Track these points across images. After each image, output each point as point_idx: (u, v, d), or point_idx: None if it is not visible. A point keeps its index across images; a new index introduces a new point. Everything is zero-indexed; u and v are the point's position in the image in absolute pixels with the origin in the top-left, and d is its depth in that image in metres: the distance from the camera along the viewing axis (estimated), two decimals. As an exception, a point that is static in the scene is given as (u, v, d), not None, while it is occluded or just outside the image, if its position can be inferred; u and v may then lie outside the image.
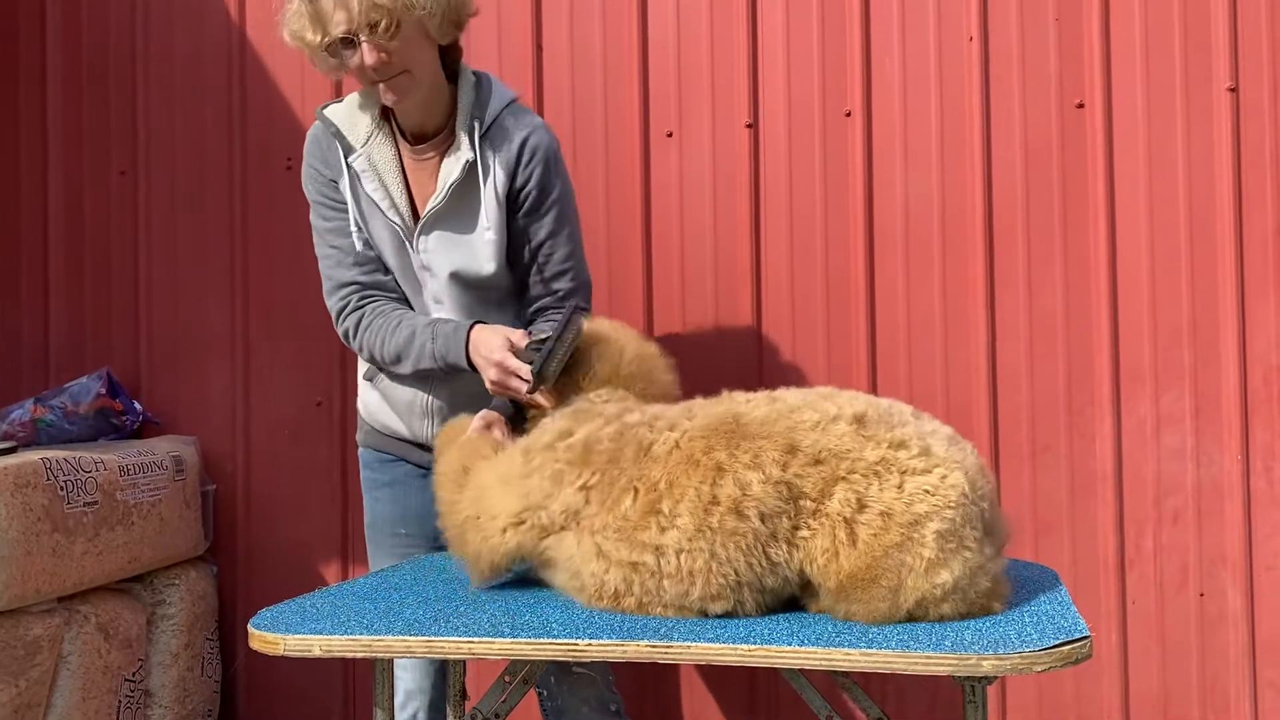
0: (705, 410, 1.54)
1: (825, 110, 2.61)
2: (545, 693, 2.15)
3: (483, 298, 2.04)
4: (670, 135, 2.66)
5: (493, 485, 1.60)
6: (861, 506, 1.41)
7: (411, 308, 2.05)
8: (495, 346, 1.83)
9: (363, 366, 2.14)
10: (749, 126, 2.63)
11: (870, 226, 2.59)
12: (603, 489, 1.50)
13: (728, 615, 1.45)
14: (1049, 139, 2.54)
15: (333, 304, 2.06)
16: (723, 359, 2.62)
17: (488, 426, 1.86)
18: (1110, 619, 2.50)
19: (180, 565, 2.65)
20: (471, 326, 1.91)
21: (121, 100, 2.88)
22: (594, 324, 1.83)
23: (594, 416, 1.59)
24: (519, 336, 1.82)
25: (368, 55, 1.87)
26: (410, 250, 2.02)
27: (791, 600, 1.50)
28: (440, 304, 2.04)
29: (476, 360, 1.87)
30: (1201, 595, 2.48)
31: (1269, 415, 2.46)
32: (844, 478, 1.42)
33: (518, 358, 1.78)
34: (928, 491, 1.40)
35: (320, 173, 2.05)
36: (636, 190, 2.65)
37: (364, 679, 2.76)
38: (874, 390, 2.57)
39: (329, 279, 2.06)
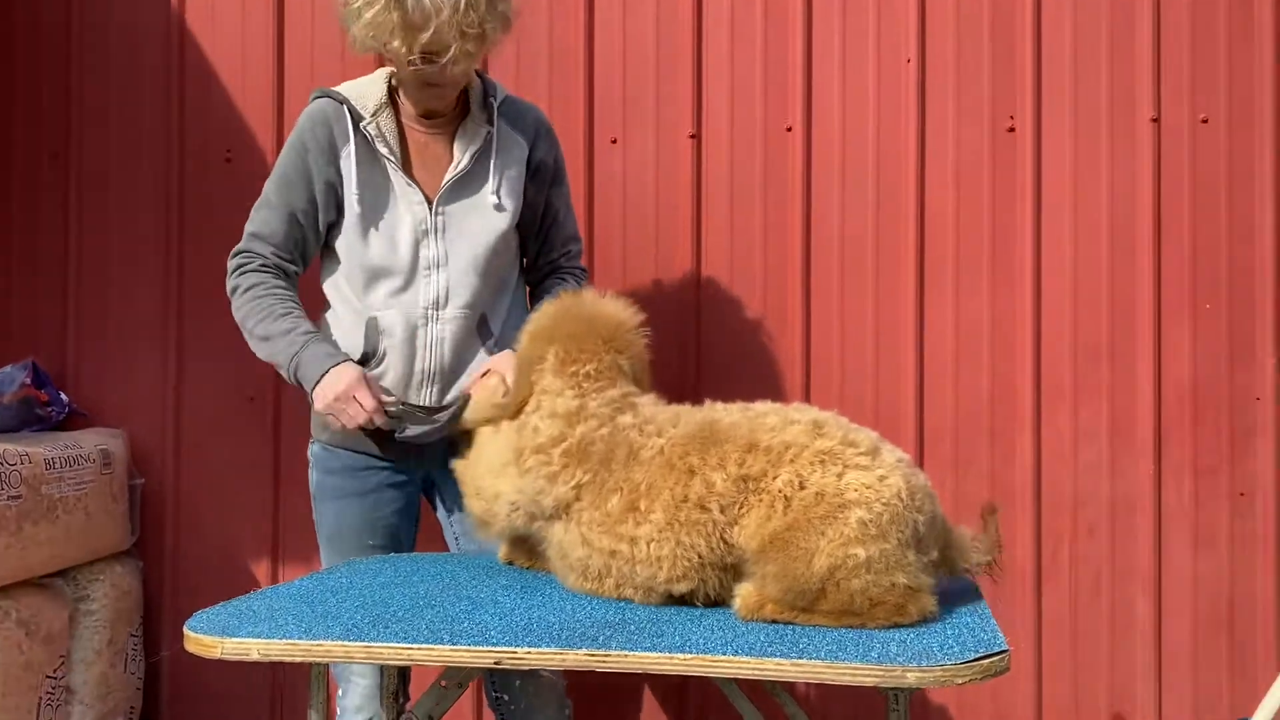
0: (688, 418, 1.69)
1: (767, 124, 2.65)
2: (506, 697, 2.12)
3: (489, 268, 2.07)
4: (614, 142, 2.68)
5: (486, 477, 1.79)
6: (801, 486, 1.52)
7: (294, 298, 2.08)
8: (353, 379, 1.95)
9: (355, 350, 2.07)
10: (692, 137, 2.67)
11: (807, 237, 2.65)
12: (593, 489, 1.66)
13: (691, 594, 1.59)
14: (980, 159, 2.61)
15: (236, 260, 2.09)
16: (662, 360, 2.64)
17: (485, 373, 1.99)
18: (1026, 628, 2.59)
19: (105, 560, 2.61)
20: (339, 362, 1.98)
21: (54, 80, 2.82)
22: (601, 304, 1.85)
23: (587, 418, 1.70)
24: (377, 388, 1.99)
25: (445, 72, 1.94)
26: (428, 214, 2.04)
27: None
28: (442, 269, 2.04)
29: (324, 382, 1.97)
30: (1113, 606, 2.58)
31: (1181, 433, 2.57)
32: (791, 461, 1.54)
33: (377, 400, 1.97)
34: (865, 485, 1.51)
35: (308, 148, 2.04)
36: (579, 190, 2.66)
37: (292, 680, 2.74)
38: (807, 397, 2.63)
39: (248, 236, 2.09)
